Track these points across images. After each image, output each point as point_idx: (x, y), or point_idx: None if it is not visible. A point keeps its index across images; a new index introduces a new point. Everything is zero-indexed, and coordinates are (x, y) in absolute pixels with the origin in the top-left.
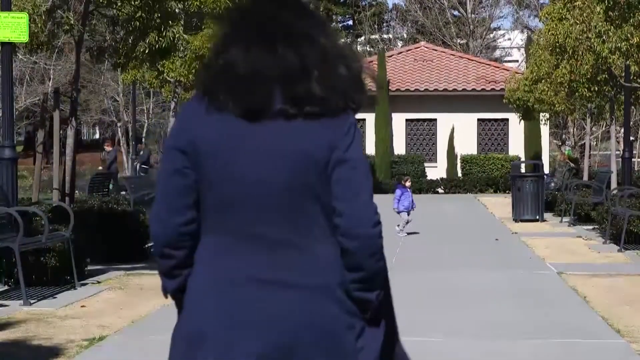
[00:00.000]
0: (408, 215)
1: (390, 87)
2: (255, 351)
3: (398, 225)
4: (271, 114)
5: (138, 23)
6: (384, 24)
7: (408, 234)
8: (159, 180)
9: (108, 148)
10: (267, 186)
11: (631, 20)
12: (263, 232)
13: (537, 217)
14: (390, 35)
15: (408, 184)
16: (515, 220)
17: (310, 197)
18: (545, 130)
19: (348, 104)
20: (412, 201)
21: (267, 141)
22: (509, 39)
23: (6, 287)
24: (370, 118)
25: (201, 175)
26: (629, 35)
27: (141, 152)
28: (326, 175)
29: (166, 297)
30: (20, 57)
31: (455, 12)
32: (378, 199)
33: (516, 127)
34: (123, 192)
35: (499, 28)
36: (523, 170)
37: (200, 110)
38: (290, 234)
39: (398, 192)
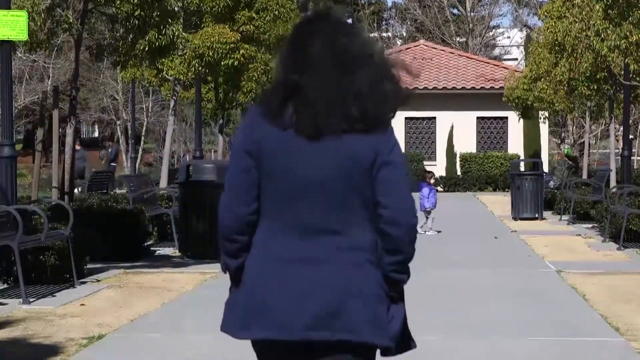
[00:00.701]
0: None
1: None
2: (309, 316)
3: (421, 227)
4: (335, 131)
5: (137, 21)
6: (383, 22)
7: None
8: (229, 176)
9: (78, 147)
10: (317, 183)
11: (630, 19)
12: (311, 221)
13: (537, 216)
14: (390, 34)
15: (432, 181)
16: (515, 219)
17: (353, 192)
18: (544, 129)
19: (391, 115)
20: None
21: (320, 146)
22: (508, 37)
23: (5, 286)
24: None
25: (262, 172)
26: (628, 33)
27: (110, 150)
28: (369, 174)
29: (225, 273)
30: (19, 55)
31: (455, 11)
32: None
33: (515, 126)
34: (118, 190)
35: (498, 26)
36: (522, 168)
37: (262, 119)
38: (334, 222)
39: (425, 190)
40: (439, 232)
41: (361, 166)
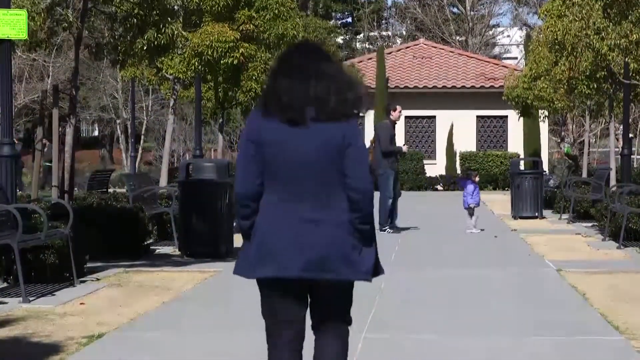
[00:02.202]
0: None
1: (389, 84)
2: (303, 261)
3: (472, 226)
4: (307, 121)
5: (136, 20)
6: (383, 21)
7: (400, 229)
8: (239, 159)
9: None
10: (306, 162)
11: (630, 17)
12: (303, 190)
13: (536, 214)
14: (389, 33)
15: (477, 179)
16: (515, 218)
17: (331, 166)
18: (544, 128)
19: (353, 112)
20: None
21: (305, 135)
22: (508, 36)
23: (5, 285)
24: (369, 115)
25: (264, 155)
26: (627, 32)
27: (45, 149)
28: (341, 151)
29: (239, 232)
30: (19, 54)
31: (455, 9)
32: (376, 195)
33: (515, 124)
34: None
35: (498, 25)
36: (522, 167)
37: (260, 117)
38: (319, 191)
39: (470, 187)
40: (482, 230)
41: (334, 145)
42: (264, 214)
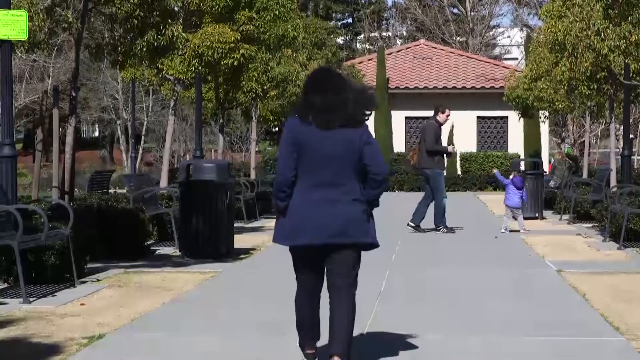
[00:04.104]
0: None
1: (389, 85)
2: (329, 231)
3: (520, 226)
4: (336, 126)
5: (136, 21)
6: (384, 22)
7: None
8: (280, 155)
9: None
10: (331, 157)
11: (630, 18)
12: (328, 178)
13: (537, 215)
14: (390, 33)
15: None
16: (515, 218)
17: (348, 161)
18: (544, 128)
19: (366, 117)
20: None
21: (332, 138)
22: (509, 37)
23: (5, 285)
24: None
25: (299, 152)
26: (627, 33)
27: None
28: (357, 150)
29: (275, 209)
30: (19, 54)
31: (455, 10)
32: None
33: (515, 125)
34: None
35: (498, 26)
36: (523, 168)
37: (298, 123)
38: (341, 179)
39: (518, 181)
40: (527, 230)
41: (353, 145)
42: (298, 196)
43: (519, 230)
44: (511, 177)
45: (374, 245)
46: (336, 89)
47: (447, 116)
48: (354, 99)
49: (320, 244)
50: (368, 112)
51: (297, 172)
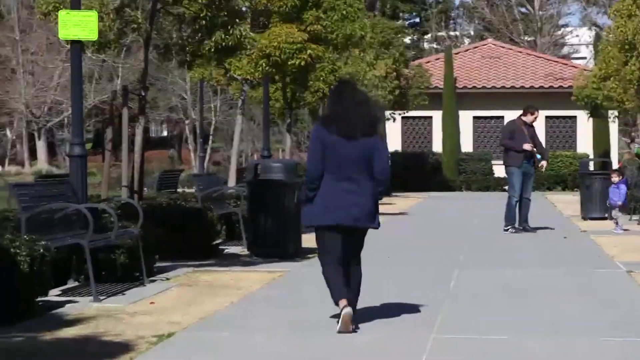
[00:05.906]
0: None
1: (457, 85)
2: (352, 215)
3: (617, 224)
4: (358, 137)
5: (204, 21)
6: (451, 22)
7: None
8: (310, 153)
9: None
10: (351, 159)
11: None
12: (349, 174)
13: (606, 215)
14: (457, 33)
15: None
16: (584, 219)
17: (365, 163)
18: (614, 128)
19: (378, 128)
20: None
21: (353, 144)
22: (577, 36)
23: (76, 284)
24: (437, 115)
25: (325, 152)
26: None
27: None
28: (371, 155)
29: (306, 198)
30: (89, 55)
31: (523, 9)
32: (445, 195)
33: (584, 125)
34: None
35: (566, 25)
36: (592, 168)
37: (325, 131)
38: (358, 175)
39: (623, 186)
40: (626, 230)
41: (369, 151)
42: (325, 187)
43: (584, 231)
44: (617, 179)
45: (376, 227)
46: (357, 101)
47: (534, 116)
48: (370, 112)
49: (348, 225)
50: (379, 125)
51: (324, 169)
